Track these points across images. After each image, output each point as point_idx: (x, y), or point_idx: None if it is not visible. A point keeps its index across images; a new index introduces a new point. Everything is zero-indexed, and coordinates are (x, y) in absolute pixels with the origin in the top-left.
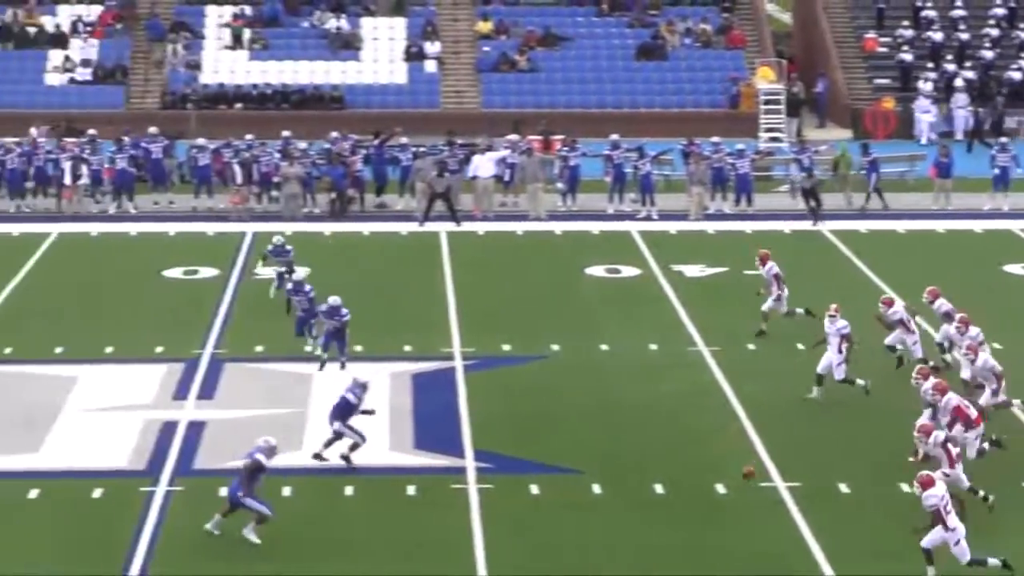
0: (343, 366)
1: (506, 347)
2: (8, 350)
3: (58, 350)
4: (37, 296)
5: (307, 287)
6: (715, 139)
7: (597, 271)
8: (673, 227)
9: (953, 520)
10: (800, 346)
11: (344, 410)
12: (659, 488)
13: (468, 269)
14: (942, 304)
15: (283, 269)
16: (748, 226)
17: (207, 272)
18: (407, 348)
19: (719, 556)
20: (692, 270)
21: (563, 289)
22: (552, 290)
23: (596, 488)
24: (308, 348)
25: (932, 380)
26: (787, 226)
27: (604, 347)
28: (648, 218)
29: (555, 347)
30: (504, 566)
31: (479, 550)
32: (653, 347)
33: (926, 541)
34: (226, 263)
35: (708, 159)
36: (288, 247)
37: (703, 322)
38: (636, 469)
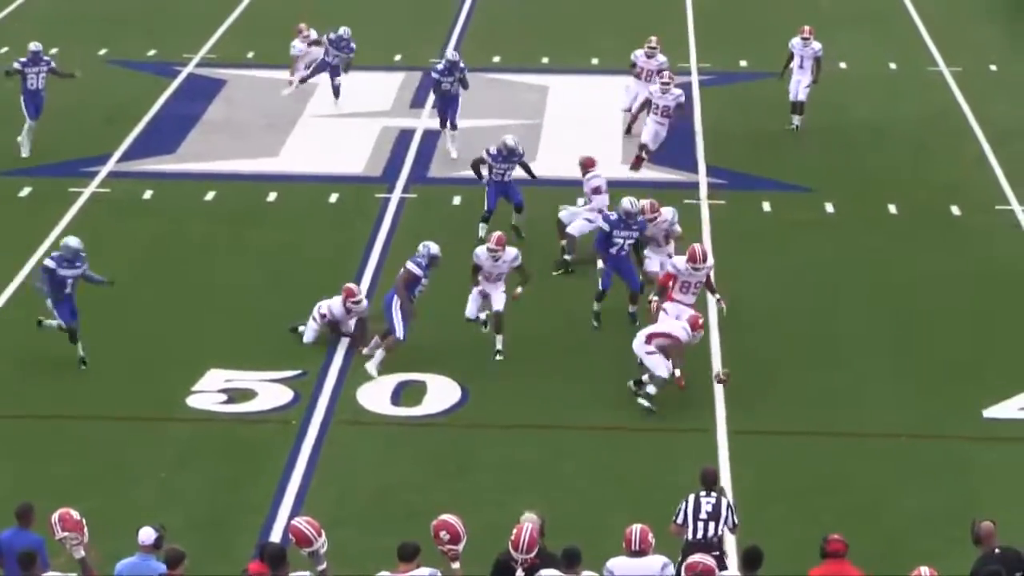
0: None
1: (743, 62)
2: (250, 54)
3: None
4: (278, 1)
5: None
6: None
7: None
8: None
9: None
10: None
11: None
12: (892, 208)
13: None
14: None
15: None
16: None
17: None
18: None
19: (951, 276)
20: None
21: (804, 4)
22: (792, 4)
23: (828, 206)
24: None
25: None
26: None
27: (842, 65)
28: None
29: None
30: (731, 277)
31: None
32: (892, 66)
33: None
34: None
35: None
36: None
37: (945, 40)
38: (870, 188)
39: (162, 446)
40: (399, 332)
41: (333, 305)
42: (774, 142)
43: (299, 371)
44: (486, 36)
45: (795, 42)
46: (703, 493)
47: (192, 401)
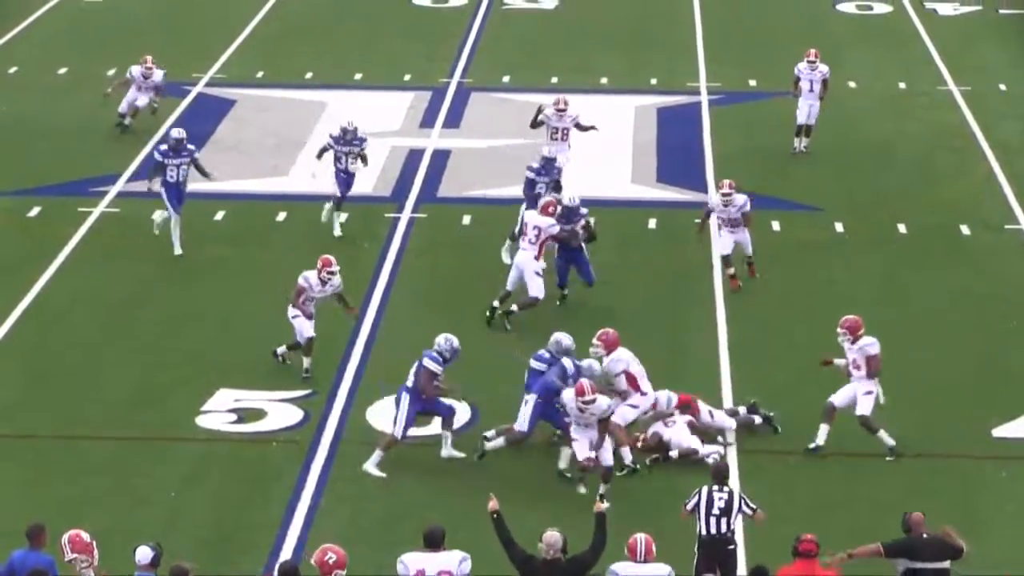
0: None
1: (752, 82)
2: (260, 74)
3: (308, 75)
4: (288, 21)
5: None
6: None
7: (848, 7)
8: None
9: None
10: None
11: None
12: (902, 228)
13: (717, 2)
14: None
15: None
16: None
17: (456, 1)
18: (653, 81)
19: (960, 294)
20: (945, 8)
21: (813, 24)
22: (801, 24)
23: (838, 226)
24: None
25: None
26: None
27: (851, 84)
28: None
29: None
30: (742, 299)
31: (718, 283)
32: (902, 85)
33: None
34: None
35: None
36: None
37: (954, 59)
38: (879, 208)
39: (172, 465)
40: (397, 431)
41: (310, 275)
42: (783, 161)
43: (309, 391)
44: (495, 55)
45: (801, 67)
46: (715, 487)
47: (201, 421)
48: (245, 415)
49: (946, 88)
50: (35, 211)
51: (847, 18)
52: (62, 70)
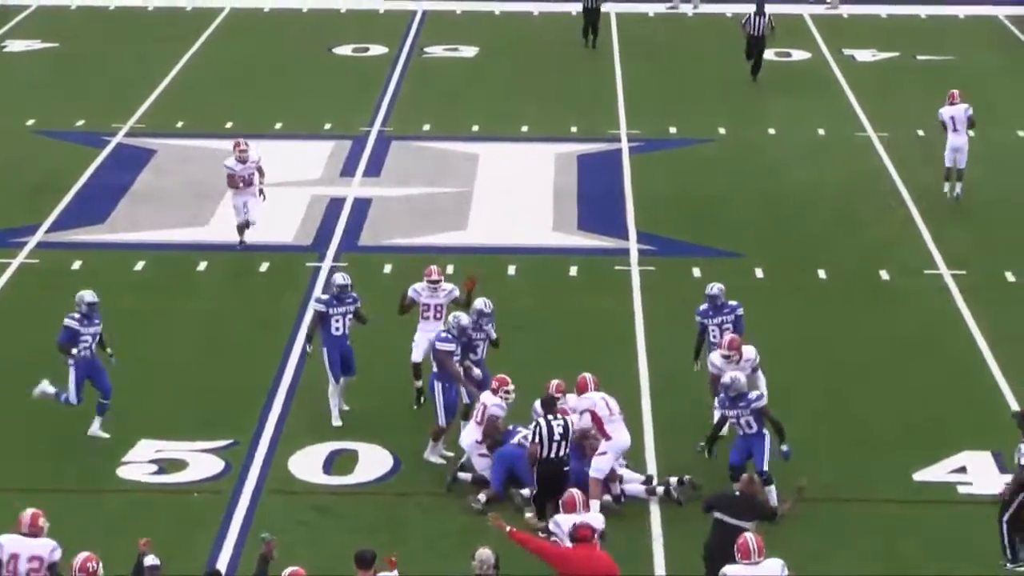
0: None
1: (672, 129)
2: (179, 123)
3: (228, 124)
4: (208, 70)
5: None
6: None
7: (767, 55)
8: (846, 10)
9: None
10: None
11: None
12: (822, 273)
13: (637, 53)
14: None
15: None
16: (922, 10)
17: (377, 49)
18: (573, 129)
19: (880, 339)
20: (864, 55)
21: (732, 71)
22: (722, 72)
23: (758, 271)
24: None
25: None
26: (961, 10)
27: (771, 131)
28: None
29: (722, 130)
30: (664, 344)
31: (640, 330)
32: (821, 132)
33: None
34: (395, 41)
35: None
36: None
37: (873, 106)
38: (800, 253)
39: (92, 518)
40: (440, 419)
41: (227, 160)
42: (703, 208)
43: (230, 440)
44: (416, 104)
45: (943, 110)
46: (551, 417)
47: (123, 472)
48: (166, 466)
49: (865, 134)
50: None
51: (767, 65)
52: None
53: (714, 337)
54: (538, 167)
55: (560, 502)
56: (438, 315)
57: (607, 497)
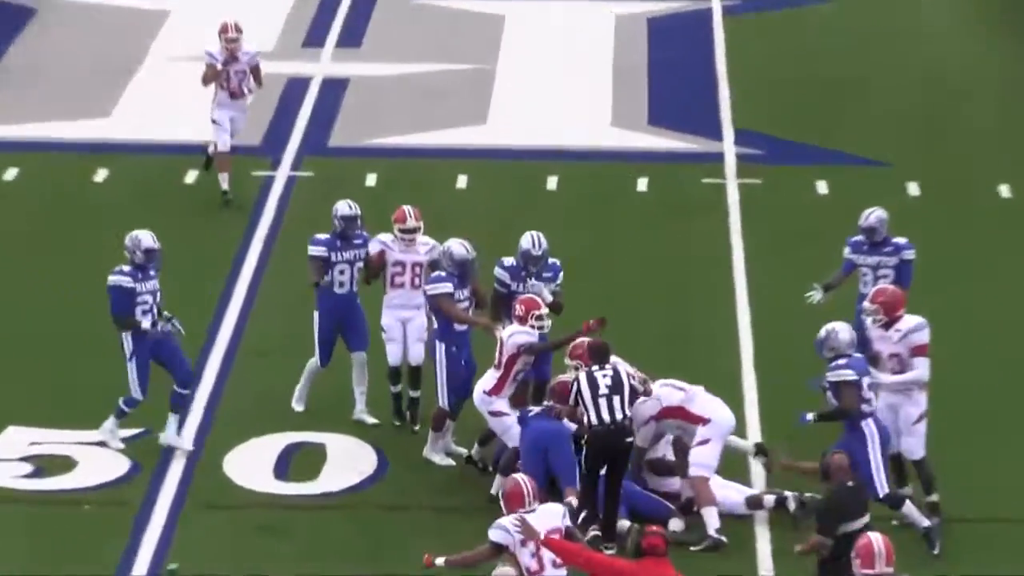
0: None
1: None
2: None
3: None
4: None
5: None
6: None
7: None
8: None
9: None
10: None
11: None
12: (1004, 190)
13: None
14: None
15: None
16: None
17: None
18: None
19: None
20: None
21: None
22: None
23: (912, 188)
24: None
25: None
26: None
27: None
28: None
29: None
30: (771, 291)
31: (739, 270)
32: None
33: None
34: None
35: None
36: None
37: None
38: (970, 162)
39: None
40: (442, 399)
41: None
42: (831, 95)
43: (139, 429)
44: None
45: None
46: (596, 368)
47: None
48: (46, 465)
49: None
50: None
51: None
52: None
53: (864, 286)
54: (590, 35)
55: (501, 493)
56: (416, 281)
57: (624, 522)
